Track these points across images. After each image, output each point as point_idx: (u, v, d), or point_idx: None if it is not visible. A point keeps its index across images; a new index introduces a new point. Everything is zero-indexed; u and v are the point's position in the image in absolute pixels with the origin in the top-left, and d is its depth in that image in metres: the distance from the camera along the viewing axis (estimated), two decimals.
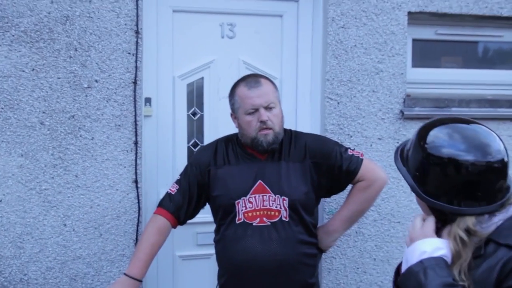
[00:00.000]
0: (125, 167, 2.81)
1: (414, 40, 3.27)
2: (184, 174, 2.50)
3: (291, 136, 2.52)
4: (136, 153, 2.82)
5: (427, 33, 3.31)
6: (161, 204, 2.46)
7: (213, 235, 2.55)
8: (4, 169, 2.68)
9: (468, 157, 1.42)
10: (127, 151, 2.81)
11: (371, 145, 3.11)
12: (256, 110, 2.36)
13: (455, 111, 3.14)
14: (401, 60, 3.12)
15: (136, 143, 2.81)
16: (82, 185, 2.77)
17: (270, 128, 2.36)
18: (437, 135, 1.49)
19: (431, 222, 1.52)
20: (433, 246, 1.45)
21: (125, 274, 2.35)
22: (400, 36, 3.11)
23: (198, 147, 3.05)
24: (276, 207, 2.39)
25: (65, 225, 2.76)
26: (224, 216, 2.42)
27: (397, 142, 3.13)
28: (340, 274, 3.14)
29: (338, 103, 3.06)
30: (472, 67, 3.43)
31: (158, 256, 2.94)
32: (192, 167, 2.48)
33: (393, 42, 3.11)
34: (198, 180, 2.45)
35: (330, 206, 3.07)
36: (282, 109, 2.45)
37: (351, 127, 3.08)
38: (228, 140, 2.53)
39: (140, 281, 2.37)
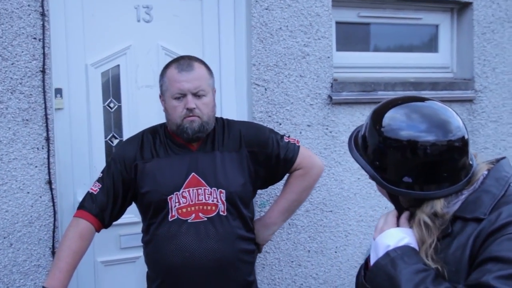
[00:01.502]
0: (36, 166, 2.49)
1: (337, 23, 3.20)
2: (107, 171, 2.25)
3: (223, 124, 2.34)
4: (48, 151, 2.51)
5: (350, 15, 3.24)
6: (82, 206, 2.20)
7: (138, 237, 2.34)
8: None
9: (429, 137, 1.33)
10: (37, 148, 2.49)
11: (300, 132, 2.99)
12: (184, 95, 2.16)
13: (382, 95, 3.10)
14: (327, 43, 3.02)
15: (47, 139, 2.50)
16: None
17: (198, 116, 2.17)
18: (393, 117, 1.39)
19: (391, 216, 1.45)
20: (396, 237, 1.38)
21: (43, 287, 2.08)
22: (325, 18, 3.01)
23: (118, 141, 2.78)
24: (212, 201, 2.20)
25: None
26: (155, 214, 2.20)
27: (326, 129, 3.04)
28: (275, 269, 3.00)
29: (265, 89, 2.91)
30: (394, 50, 3.42)
31: None
32: (115, 163, 2.24)
33: (318, 24, 3.00)
34: (123, 176, 2.22)
35: (262, 198, 2.92)
36: (214, 97, 2.27)
37: (280, 114, 2.95)
38: (155, 131, 2.31)
39: None
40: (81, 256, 2.18)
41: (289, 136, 2.41)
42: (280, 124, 2.94)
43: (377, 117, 1.42)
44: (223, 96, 2.96)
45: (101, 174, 2.25)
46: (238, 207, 2.25)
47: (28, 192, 2.49)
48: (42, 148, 2.50)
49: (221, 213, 2.21)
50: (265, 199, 2.91)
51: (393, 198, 1.46)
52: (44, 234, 2.52)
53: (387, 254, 1.35)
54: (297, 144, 2.38)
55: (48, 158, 2.51)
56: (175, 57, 2.73)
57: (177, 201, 2.18)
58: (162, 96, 2.24)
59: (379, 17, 3.31)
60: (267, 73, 2.91)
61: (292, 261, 3.04)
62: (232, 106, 2.97)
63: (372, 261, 1.40)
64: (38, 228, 2.51)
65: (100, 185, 2.21)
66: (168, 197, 2.17)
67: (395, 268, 1.32)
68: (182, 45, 2.88)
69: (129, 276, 2.83)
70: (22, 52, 2.45)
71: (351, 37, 3.32)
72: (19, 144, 2.46)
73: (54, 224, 2.53)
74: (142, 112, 2.80)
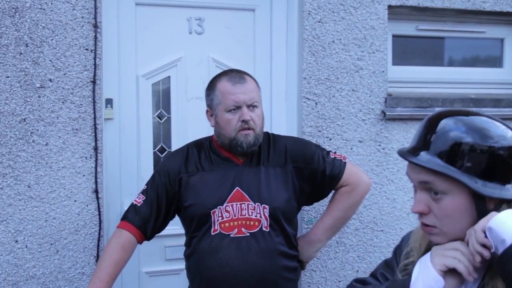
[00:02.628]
0: (84, 175, 2.53)
1: (394, 36, 3.09)
2: (151, 183, 2.25)
3: (269, 139, 2.31)
4: (96, 160, 2.54)
5: (408, 28, 3.13)
6: (125, 217, 2.21)
7: (183, 249, 2.31)
8: None
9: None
10: (86, 157, 2.53)
11: (351, 148, 2.90)
12: (238, 107, 2.14)
13: None
14: (381, 57, 2.93)
15: (96, 148, 2.54)
16: (36, 196, 2.48)
17: (252, 129, 2.15)
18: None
19: None
20: None
21: None
22: (380, 31, 2.92)
23: (166, 152, 2.79)
24: (255, 216, 2.16)
25: (16, 241, 2.47)
26: (198, 227, 2.18)
27: (379, 145, 2.94)
28: None
29: (316, 103, 2.85)
30: (455, 65, 3.27)
31: (122, 273, 2.68)
32: (160, 176, 2.24)
33: (373, 37, 2.91)
34: (167, 189, 2.21)
35: (309, 215, 2.85)
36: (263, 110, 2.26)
37: (330, 129, 2.87)
38: (200, 145, 2.30)
39: None
40: (122, 266, 2.19)
41: (335, 152, 2.35)
42: (331, 139, 2.86)
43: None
44: (273, 110, 2.92)
45: (146, 186, 2.25)
46: (281, 223, 2.20)
47: (75, 200, 2.52)
48: (90, 158, 2.53)
49: (264, 228, 2.17)
50: (313, 216, 2.83)
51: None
52: (89, 242, 2.55)
53: None
54: (343, 160, 2.31)
55: (96, 168, 2.54)
56: (226, 69, 2.74)
57: (220, 215, 2.15)
58: (210, 110, 2.23)
59: (439, 30, 3.18)
60: (318, 87, 2.84)
61: (340, 281, 2.95)
62: (282, 120, 2.92)
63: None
64: (84, 236, 2.55)
65: (144, 197, 2.22)
66: (212, 211, 2.15)
67: None
68: (233, 58, 2.86)
69: None
70: (74, 62, 2.50)
71: (409, 50, 3.20)
72: (69, 152, 2.51)
73: (99, 233, 2.56)
74: (191, 124, 2.79)
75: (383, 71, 2.93)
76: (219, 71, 2.77)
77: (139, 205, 2.20)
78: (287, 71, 2.91)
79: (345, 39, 2.87)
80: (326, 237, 2.39)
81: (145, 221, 2.19)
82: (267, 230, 2.17)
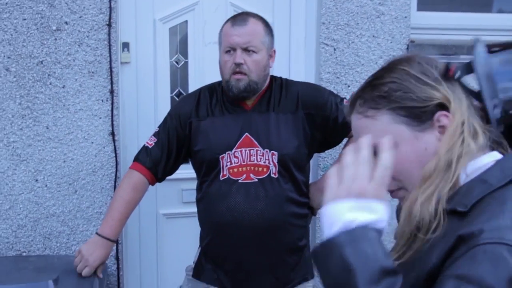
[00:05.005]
0: (100, 118, 2.58)
1: None
2: (163, 126, 2.28)
3: (281, 84, 2.29)
4: (112, 103, 2.58)
5: None
6: (137, 159, 2.27)
7: None
8: None
9: None
10: (102, 100, 2.57)
11: None
12: (234, 49, 2.12)
13: (463, 59, 2.87)
14: (404, 2, 2.83)
15: (112, 91, 2.57)
16: (54, 137, 2.54)
17: (245, 74, 2.12)
18: None
19: (365, 164, 0.97)
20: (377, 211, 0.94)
21: (97, 233, 2.19)
22: None
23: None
24: (264, 162, 2.17)
25: (36, 180, 2.56)
26: (207, 172, 2.21)
27: None
28: None
29: (334, 49, 2.79)
30: (482, 10, 3.14)
31: (140, 214, 2.77)
32: (171, 119, 2.27)
33: None
34: (178, 132, 2.24)
35: (325, 162, 2.84)
36: (270, 58, 2.22)
37: (349, 76, 2.82)
38: (212, 89, 2.30)
39: (114, 241, 2.21)
40: (133, 206, 2.25)
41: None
42: (349, 86, 2.82)
43: None
44: (291, 56, 2.88)
45: (158, 129, 2.29)
46: (290, 170, 2.20)
47: (92, 142, 2.58)
48: (107, 100, 2.57)
49: (272, 175, 2.17)
50: (329, 163, 2.82)
51: None
52: (106, 183, 2.62)
53: (353, 230, 0.91)
54: None
55: (112, 110, 2.58)
56: None
57: (228, 160, 2.17)
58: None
59: None
60: (337, 33, 2.78)
61: None
62: (300, 66, 2.88)
63: (327, 232, 0.95)
64: (101, 177, 2.61)
65: (156, 139, 2.25)
66: (220, 156, 2.17)
67: (359, 255, 0.90)
68: (251, 2, 2.81)
69: (190, 230, 2.85)
70: (90, 5, 2.51)
71: None
72: (85, 95, 2.55)
73: (115, 175, 2.62)
74: (208, 69, 2.78)
75: (405, 17, 2.83)
76: None
77: (150, 147, 2.24)
78: (306, 16, 2.84)
79: None
80: None
81: (156, 163, 2.23)
82: (275, 177, 2.18)
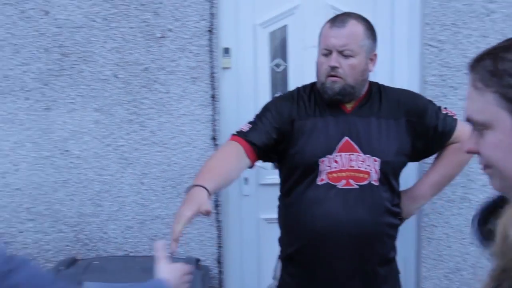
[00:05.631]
0: (202, 122, 2.63)
1: None
2: (261, 115, 2.17)
3: (379, 89, 2.21)
4: (213, 108, 2.62)
5: None
6: (233, 134, 2.15)
7: None
8: (80, 124, 2.60)
9: None
10: (204, 105, 2.62)
11: None
12: (330, 52, 2.05)
13: None
14: None
15: (213, 97, 2.62)
16: (159, 141, 2.63)
17: (340, 77, 2.05)
18: None
19: None
20: None
21: (195, 185, 1.89)
22: None
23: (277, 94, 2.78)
24: (365, 168, 2.09)
25: (142, 183, 2.65)
26: (303, 176, 2.13)
27: None
28: (443, 245, 2.79)
29: (440, 50, 2.67)
30: None
31: (241, 219, 2.79)
32: (271, 111, 2.16)
33: None
34: (279, 126, 2.12)
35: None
36: (370, 62, 2.13)
37: (456, 78, 2.69)
38: (310, 89, 2.23)
39: (208, 191, 1.87)
40: (234, 176, 2.07)
41: (446, 108, 2.22)
42: (456, 89, 2.69)
43: None
44: (394, 57, 2.79)
45: (253, 119, 2.18)
46: (389, 178, 2.13)
47: (194, 147, 2.64)
48: (208, 106, 2.62)
49: (373, 182, 2.09)
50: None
51: None
52: None
53: None
54: (454, 117, 2.18)
55: (213, 115, 2.62)
56: None
57: (328, 164, 2.09)
58: None
59: None
60: (443, 33, 2.66)
61: (463, 239, 2.80)
62: (403, 68, 2.78)
63: None
64: None
65: (251, 126, 2.14)
66: (320, 160, 2.10)
67: None
68: (352, 4, 2.76)
69: None
70: (192, 12, 2.57)
71: None
72: (188, 100, 2.61)
73: None
74: (308, 73, 2.71)
75: None
76: None
77: (245, 130, 2.12)
78: (410, 17, 2.75)
79: None
80: (430, 194, 2.30)
81: (253, 139, 2.09)
82: (376, 184, 2.10)
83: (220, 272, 2.73)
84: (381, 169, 2.10)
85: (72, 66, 2.54)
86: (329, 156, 2.10)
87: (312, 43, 2.75)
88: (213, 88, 2.61)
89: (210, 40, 2.58)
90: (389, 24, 2.77)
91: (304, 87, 2.26)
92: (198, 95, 2.61)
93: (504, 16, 2.67)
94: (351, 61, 2.06)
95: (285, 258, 2.25)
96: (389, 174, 2.13)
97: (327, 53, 2.07)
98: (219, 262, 2.71)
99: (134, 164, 2.63)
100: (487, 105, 0.98)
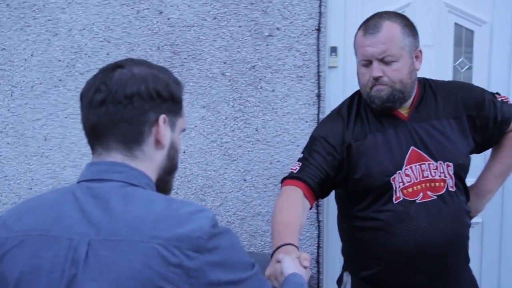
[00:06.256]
0: (306, 121, 2.62)
1: None
2: (309, 150, 2.02)
3: (431, 87, 2.07)
4: (318, 107, 2.60)
5: None
6: (284, 178, 2.02)
7: None
8: (187, 120, 2.65)
9: None
10: (309, 104, 2.60)
11: None
12: (370, 62, 1.94)
13: None
14: None
15: (319, 96, 2.59)
16: (262, 139, 2.64)
17: (386, 85, 1.93)
18: None
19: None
20: None
21: (281, 246, 1.68)
22: None
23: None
24: (439, 176, 1.97)
25: (245, 180, 2.68)
26: (377, 198, 1.99)
27: None
28: None
29: None
30: None
31: None
32: (320, 142, 2.01)
33: None
34: (333, 157, 1.98)
35: None
36: (416, 60, 2.00)
37: None
38: (358, 100, 2.09)
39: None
40: (303, 219, 1.89)
41: (498, 94, 2.10)
42: None
43: None
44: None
45: (302, 155, 2.04)
46: (463, 180, 2.04)
47: (298, 146, 2.63)
48: (313, 104, 2.60)
49: (450, 188, 1.99)
50: None
51: None
52: None
53: None
54: (509, 103, 2.06)
55: (318, 114, 2.60)
56: (460, 15, 2.56)
57: (400, 180, 1.97)
58: None
59: None
60: None
61: None
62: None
63: None
64: None
65: (301, 164, 2.00)
66: (391, 178, 1.97)
67: None
68: (469, 1, 2.63)
69: None
70: (301, 11, 2.56)
71: None
72: (293, 99, 2.61)
73: None
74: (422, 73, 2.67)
75: None
76: (451, 16, 2.62)
77: (294, 171, 1.98)
78: None
79: None
80: (496, 186, 2.19)
81: (309, 177, 1.94)
82: (453, 190, 1.99)
83: (319, 272, 2.72)
84: (455, 174, 1.99)
85: (182, 64, 2.60)
86: (399, 171, 1.97)
87: (424, 42, 2.65)
88: (319, 87, 2.58)
89: (317, 39, 2.55)
90: (509, 22, 2.61)
91: (350, 101, 2.12)
92: (304, 94, 2.60)
93: None
94: (395, 66, 1.94)
95: (359, 278, 2.12)
96: (463, 176, 2.04)
97: (366, 63, 1.97)
98: (318, 262, 2.69)
99: (237, 161, 2.67)
100: None
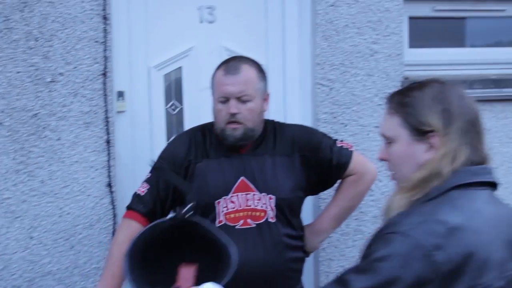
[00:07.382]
0: (97, 169, 2.51)
1: (410, 18, 3.01)
2: (155, 171, 2.18)
3: (274, 127, 2.25)
4: (108, 154, 2.52)
5: (424, 10, 3.05)
6: (130, 207, 2.16)
7: None
8: None
9: None
10: (98, 151, 2.51)
11: (368, 134, 2.83)
12: (228, 99, 2.08)
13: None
14: (397, 39, 2.84)
15: (108, 142, 2.52)
16: (49, 191, 2.47)
17: (240, 123, 2.08)
18: None
19: None
20: None
21: None
22: (395, 13, 2.83)
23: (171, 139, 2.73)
24: (261, 207, 2.11)
25: (31, 237, 2.47)
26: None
27: None
28: None
29: (330, 89, 2.78)
30: (473, 45, 3.19)
31: None
32: (164, 163, 2.17)
33: (388, 20, 2.83)
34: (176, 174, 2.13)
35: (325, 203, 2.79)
36: (264, 102, 2.18)
37: (346, 115, 2.81)
38: (205, 130, 2.24)
39: None
40: None
41: (342, 141, 2.31)
42: (346, 125, 2.80)
43: None
44: (287, 97, 2.85)
45: (149, 175, 2.19)
46: (287, 214, 2.16)
47: (88, 195, 2.51)
48: (103, 151, 2.52)
49: (270, 219, 2.12)
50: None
51: None
52: (104, 237, 2.54)
53: None
54: (349, 149, 2.26)
55: (109, 161, 2.52)
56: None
57: (225, 205, 2.10)
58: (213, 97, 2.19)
59: (456, 10, 3.09)
60: (332, 73, 2.78)
61: None
62: (295, 107, 2.85)
63: None
64: (99, 230, 2.53)
65: (148, 186, 2.16)
66: (216, 202, 2.10)
67: None
68: (245, 46, 2.80)
69: None
70: (85, 55, 2.48)
71: (426, 33, 3.12)
72: (81, 147, 2.49)
73: (113, 227, 2.54)
74: (204, 115, 2.71)
75: (399, 54, 2.85)
76: None
77: (142, 194, 2.14)
78: (301, 57, 2.84)
79: (359, 22, 2.80)
80: (332, 227, 2.36)
81: (151, 210, 2.12)
82: (273, 221, 2.12)
83: None
84: (276, 206, 2.12)
85: None
86: (225, 197, 2.10)
87: (207, 84, 2.75)
88: (107, 132, 2.51)
89: (104, 83, 2.49)
90: (281, 64, 2.84)
91: (198, 128, 2.27)
92: (92, 141, 2.50)
93: (386, 56, 2.84)
94: (249, 105, 2.10)
95: None
96: (286, 210, 2.16)
97: (224, 100, 2.09)
98: None
99: (22, 218, 2.45)
100: (394, 125, 1.38)
